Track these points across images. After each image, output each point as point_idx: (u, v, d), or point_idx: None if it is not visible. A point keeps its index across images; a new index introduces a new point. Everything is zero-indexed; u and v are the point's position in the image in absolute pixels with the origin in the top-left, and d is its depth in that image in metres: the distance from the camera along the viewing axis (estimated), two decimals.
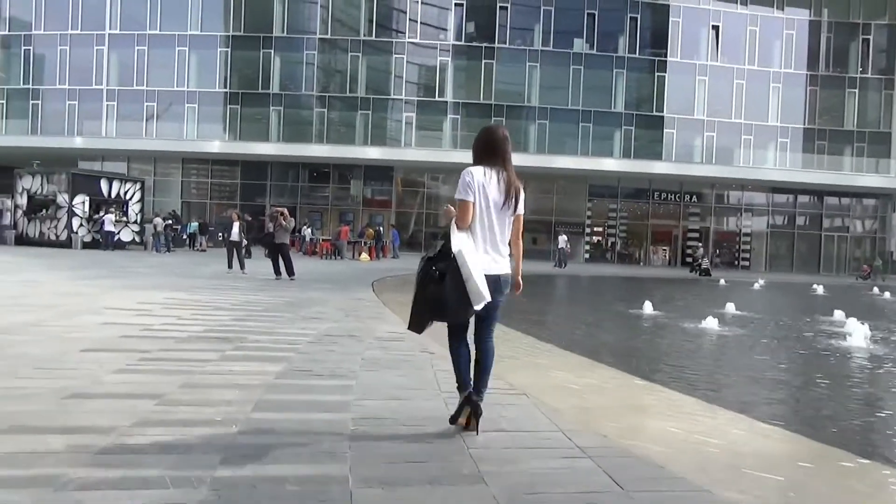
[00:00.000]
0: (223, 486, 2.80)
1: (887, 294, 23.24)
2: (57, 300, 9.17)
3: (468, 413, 3.76)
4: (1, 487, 2.69)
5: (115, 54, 40.61)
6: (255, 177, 41.13)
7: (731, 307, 14.53)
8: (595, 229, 42.61)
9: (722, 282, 27.44)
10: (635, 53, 40.67)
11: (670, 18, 40.65)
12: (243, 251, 17.13)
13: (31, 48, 41.20)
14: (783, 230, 43.55)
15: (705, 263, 33.00)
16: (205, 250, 30.00)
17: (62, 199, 26.20)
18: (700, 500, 2.97)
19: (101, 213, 26.25)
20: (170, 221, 29.09)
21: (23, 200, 27.03)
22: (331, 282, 15.52)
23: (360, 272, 19.83)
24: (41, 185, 26.99)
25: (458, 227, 3.65)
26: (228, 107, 40.41)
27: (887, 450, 4.71)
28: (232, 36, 40.02)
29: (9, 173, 29.52)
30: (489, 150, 3.80)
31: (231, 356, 5.73)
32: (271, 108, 40.08)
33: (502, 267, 3.76)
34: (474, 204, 3.65)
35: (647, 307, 13.70)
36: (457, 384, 3.86)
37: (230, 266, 16.72)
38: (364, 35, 40.15)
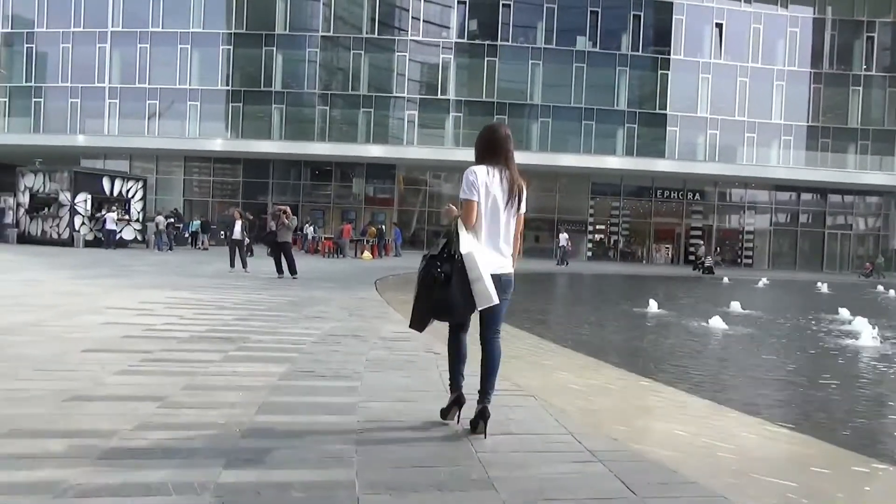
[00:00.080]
0: (227, 492, 2.74)
1: (892, 292, 23.14)
2: (58, 299, 9.12)
3: (458, 413, 3.83)
4: (0, 494, 2.62)
5: (118, 52, 40.55)
6: (257, 175, 41.07)
7: (736, 306, 14.45)
8: (598, 227, 42.53)
9: (725, 280, 27.36)
10: (638, 51, 40.53)
11: (673, 16, 40.49)
12: (245, 250, 17.07)
13: (33, 46, 41.13)
14: (786, 228, 43.42)
15: (709, 261, 32.94)
16: (207, 249, 29.95)
17: (64, 197, 26.16)
18: None
19: (103, 212, 26.21)
20: (172, 220, 29.05)
21: (25, 199, 27.00)
22: (333, 280, 15.45)
23: (363, 271, 19.77)
24: (43, 183, 26.95)
25: (465, 227, 3.63)
26: (230, 104, 40.34)
27: None
28: (234, 33, 39.91)
29: (11, 171, 29.52)
30: (492, 149, 3.77)
31: (234, 357, 5.67)
32: (273, 105, 40.00)
33: (506, 266, 3.75)
34: (478, 203, 3.63)
35: (652, 306, 13.64)
36: (449, 382, 3.90)
37: (232, 265, 16.67)
38: (366, 33, 40.06)
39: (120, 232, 26.82)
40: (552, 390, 5.13)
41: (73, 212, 26.00)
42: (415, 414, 4.09)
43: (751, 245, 43.37)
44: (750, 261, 42.89)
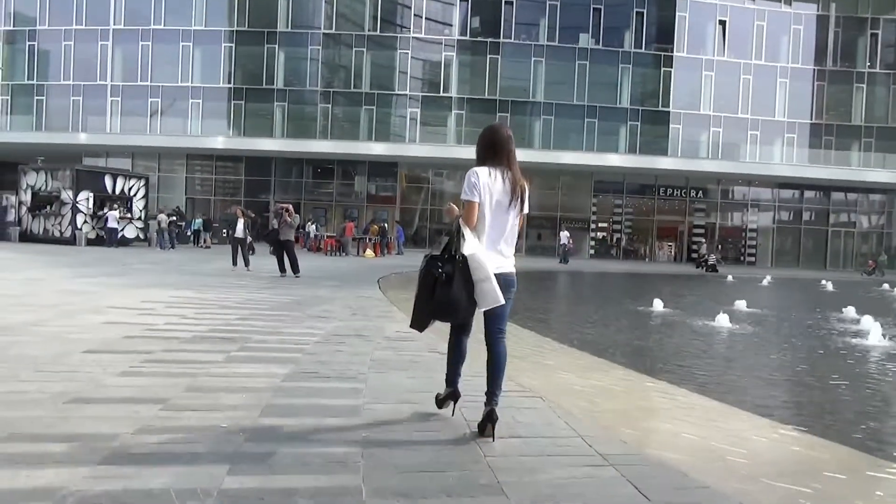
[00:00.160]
0: (230, 498, 2.67)
1: None
2: (59, 298, 9.05)
3: (453, 405, 3.96)
4: None
5: (119, 50, 40.53)
6: (259, 173, 41.05)
7: (741, 304, 14.37)
8: (600, 225, 42.40)
9: (730, 278, 27.26)
10: (641, 48, 40.41)
11: (676, 13, 40.35)
12: (248, 248, 17.01)
13: (35, 44, 41.10)
14: (789, 226, 43.29)
15: (712, 259, 32.86)
16: (209, 247, 29.90)
17: (66, 195, 26.12)
18: None
19: (105, 210, 26.16)
20: (174, 218, 29.00)
21: (27, 197, 26.96)
22: (336, 279, 15.38)
23: (366, 269, 19.71)
24: (45, 181, 26.91)
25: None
26: (232, 102, 40.28)
27: None
28: (236, 31, 39.85)
29: (13, 169, 29.48)
30: (493, 150, 3.76)
31: (237, 357, 5.60)
32: (275, 103, 39.96)
33: (508, 266, 3.75)
34: (480, 204, 3.63)
35: (657, 304, 13.56)
36: (446, 376, 3.97)
37: (235, 263, 16.60)
38: (368, 30, 39.98)
39: (122, 230, 26.78)
40: (559, 391, 5.07)
41: (76, 210, 25.96)
42: (421, 416, 4.03)
43: (754, 243, 43.25)
44: (753, 258, 42.79)
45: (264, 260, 18.01)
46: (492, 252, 3.67)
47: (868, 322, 11.03)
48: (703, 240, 40.08)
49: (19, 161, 31.70)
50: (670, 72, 40.41)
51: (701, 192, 42.43)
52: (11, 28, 41.47)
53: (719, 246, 40.54)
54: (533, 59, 40.01)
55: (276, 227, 15.57)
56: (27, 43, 41.15)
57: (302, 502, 2.68)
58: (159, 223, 27.17)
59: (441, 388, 4.07)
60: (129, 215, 27.74)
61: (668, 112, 40.46)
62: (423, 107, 40.07)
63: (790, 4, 41.15)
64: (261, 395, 4.33)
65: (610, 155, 39.41)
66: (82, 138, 39.73)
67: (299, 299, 10.44)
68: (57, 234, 26.12)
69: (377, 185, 42.17)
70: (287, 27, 39.92)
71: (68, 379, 4.51)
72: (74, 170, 26.99)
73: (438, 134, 40.06)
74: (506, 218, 3.70)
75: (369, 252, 28.43)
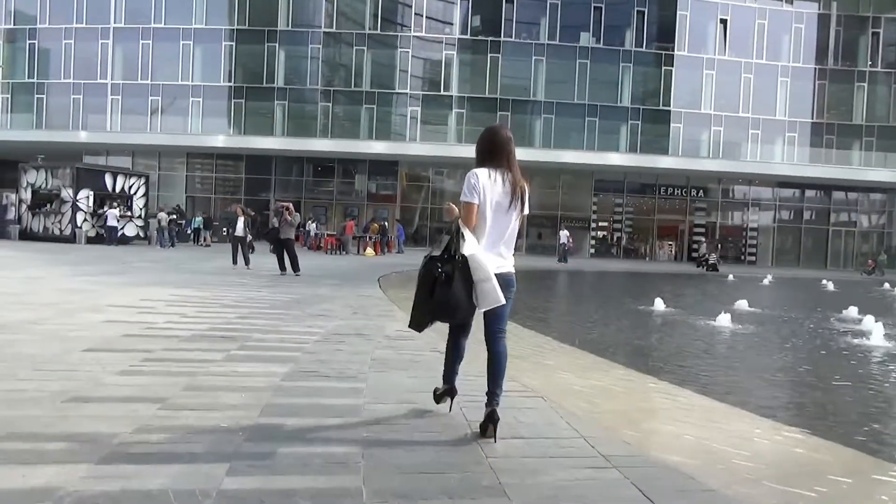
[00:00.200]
0: (229, 499, 2.64)
1: None
2: (58, 297, 9.02)
3: (450, 401, 4.01)
4: None
5: (120, 48, 40.47)
6: (259, 171, 41.02)
7: (743, 304, 14.33)
8: (601, 224, 42.36)
9: (730, 277, 27.22)
10: (642, 47, 40.35)
11: (678, 12, 40.27)
12: (248, 246, 16.98)
13: (35, 42, 41.06)
14: (790, 225, 43.26)
15: (713, 259, 32.83)
16: (209, 245, 29.88)
17: (66, 193, 26.09)
18: None
19: (105, 208, 26.12)
20: (174, 216, 28.97)
21: (27, 195, 26.92)
22: (337, 277, 15.35)
23: (366, 267, 19.67)
24: (45, 179, 26.88)
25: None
26: (233, 101, 40.23)
27: None
28: (236, 30, 39.81)
29: (13, 167, 29.44)
30: (493, 152, 3.77)
31: (236, 356, 5.57)
32: (276, 102, 39.91)
33: (507, 266, 3.76)
34: (480, 206, 3.64)
35: (658, 304, 13.52)
36: (443, 374, 4.03)
37: (235, 261, 16.58)
38: (369, 29, 39.92)
39: (122, 228, 26.75)
40: (560, 391, 5.03)
41: (76, 208, 25.93)
42: (422, 416, 4.00)
43: (754, 242, 43.21)
44: (753, 258, 42.75)
45: (264, 258, 17.98)
46: (492, 253, 3.67)
47: (870, 322, 10.99)
48: (704, 239, 40.07)
49: (20, 159, 31.68)
50: (671, 71, 40.35)
51: (701, 191, 42.39)
52: (12, 26, 41.41)
53: (719, 245, 40.52)
54: (534, 57, 39.94)
55: (276, 225, 15.54)
56: (28, 41, 41.11)
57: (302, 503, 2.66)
58: (159, 221, 27.15)
59: (440, 383, 4.07)
60: (129, 213, 27.71)
61: (669, 111, 40.41)
62: (424, 105, 40.03)
63: (791, 3, 41.10)
64: (260, 394, 4.29)
65: (610, 154, 39.36)
66: (82, 136, 39.69)
67: (299, 298, 10.41)
68: (57, 232, 26.09)
69: (377, 184, 42.12)
70: (287, 26, 39.87)
71: (67, 378, 4.48)
72: (75, 168, 26.96)
73: (439, 133, 40.02)
74: (506, 219, 3.70)
75: (370, 251, 28.40)
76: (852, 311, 13.64)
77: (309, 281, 13.77)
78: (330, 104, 40.01)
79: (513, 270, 3.79)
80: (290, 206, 15.70)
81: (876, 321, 10.74)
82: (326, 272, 16.96)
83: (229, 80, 40.36)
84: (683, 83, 40.29)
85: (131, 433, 3.37)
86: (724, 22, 40.58)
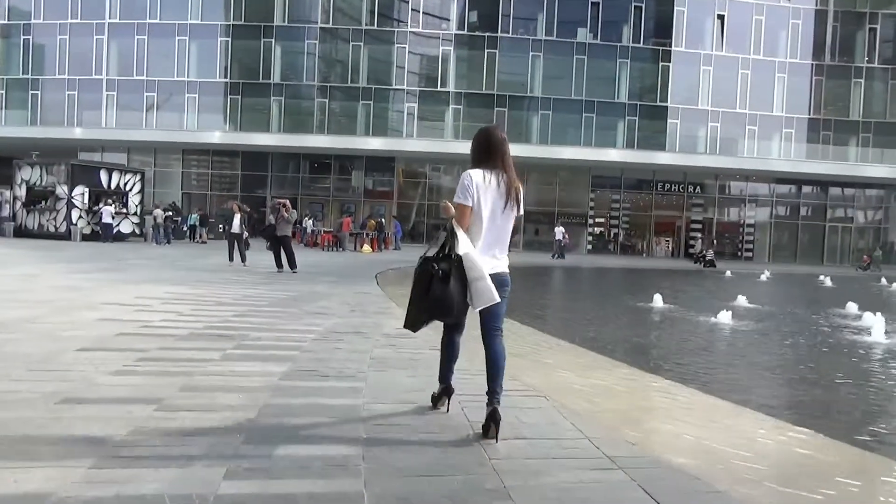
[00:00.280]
0: None
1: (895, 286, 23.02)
2: (53, 295, 8.93)
3: (447, 401, 4.02)
4: None
5: (115, 44, 40.22)
6: (255, 168, 40.87)
7: (742, 300, 14.30)
8: (598, 220, 42.35)
9: (728, 273, 27.19)
10: (639, 43, 40.27)
11: (675, 7, 40.15)
12: (244, 243, 16.89)
13: (30, 38, 40.81)
14: (787, 221, 43.28)
15: (710, 255, 32.82)
16: (205, 242, 29.77)
17: (61, 190, 25.95)
18: None
19: (101, 205, 25.98)
20: (170, 213, 28.86)
21: (22, 192, 26.75)
22: (334, 275, 15.28)
23: (363, 264, 19.60)
24: (40, 176, 26.72)
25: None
26: (229, 97, 40.05)
27: None
28: (232, 25, 39.61)
29: (8, 164, 29.20)
30: (488, 152, 3.79)
31: (233, 355, 5.49)
32: (272, 98, 39.74)
33: (502, 266, 3.78)
34: (474, 208, 3.65)
35: (657, 300, 13.47)
36: (439, 374, 4.04)
37: (231, 258, 16.49)
38: (366, 24, 39.75)
39: (117, 225, 26.62)
40: (560, 390, 4.97)
41: (71, 205, 25.79)
42: (422, 416, 3.94)
43: (751, 238, 43.23)
44: (750, 254, 42.77)
45: (261, 255, 17.91)
46: (486, 253, 3.68)
47: (870, 318, 10.96)
48: (700, 235, 40.05)
49: (14, 156, 31.41)
50: (668, 66, 40.26)
51: (699, 187, 42.37)
52: (6, 22, 41.13)
53: (714, 241, 40.51)
54: (531, 53, 39.84)
55: (272, 222, 15.46)
56: (22, 37, 40.85)
57: None
58: (155, 218, 27.04)
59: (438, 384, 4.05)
60: (124, 210, 27.57)
61: (666, 107, 40.34)
62: (421, 101, 39.90)
63: None
64: (258, 394, 4.22)
65: (608, 150, 39.29)
66: (77, 133, 39.52)
67: (296, 295, 10.34)
68: (52, 229, 25.95)
69: (374, 180, 42.03)
70: (284, 21, 39.70)
71: (61, 378, 4.41)
72: (69, 164, 26.82)
73: (436, 129, 39.91)
74: (501, 219, 3.72)
75: (366, 247, 28.33)
76: (851, 308, 13.61)
77: (306, 278, 13.70)
78: (326, 100, 39.85)
79: (507, 270, 3.81)
80: (287, 202, 15.65)
81: (875, 317, 10.69)
82: (323, 269, 16.89)
83: (225, 76, 40.17)
84: (680, 79, 40.22)
85: (126, 435, 3.30)
86: (721, 18, 40.50)
